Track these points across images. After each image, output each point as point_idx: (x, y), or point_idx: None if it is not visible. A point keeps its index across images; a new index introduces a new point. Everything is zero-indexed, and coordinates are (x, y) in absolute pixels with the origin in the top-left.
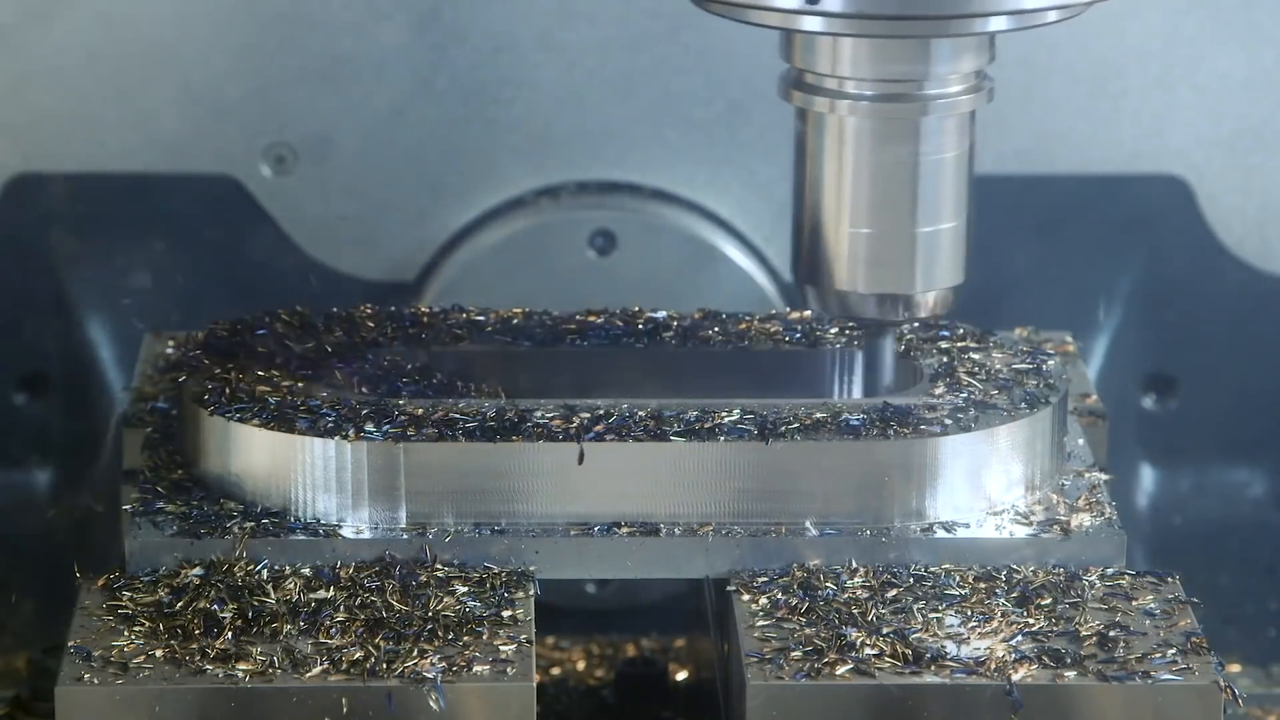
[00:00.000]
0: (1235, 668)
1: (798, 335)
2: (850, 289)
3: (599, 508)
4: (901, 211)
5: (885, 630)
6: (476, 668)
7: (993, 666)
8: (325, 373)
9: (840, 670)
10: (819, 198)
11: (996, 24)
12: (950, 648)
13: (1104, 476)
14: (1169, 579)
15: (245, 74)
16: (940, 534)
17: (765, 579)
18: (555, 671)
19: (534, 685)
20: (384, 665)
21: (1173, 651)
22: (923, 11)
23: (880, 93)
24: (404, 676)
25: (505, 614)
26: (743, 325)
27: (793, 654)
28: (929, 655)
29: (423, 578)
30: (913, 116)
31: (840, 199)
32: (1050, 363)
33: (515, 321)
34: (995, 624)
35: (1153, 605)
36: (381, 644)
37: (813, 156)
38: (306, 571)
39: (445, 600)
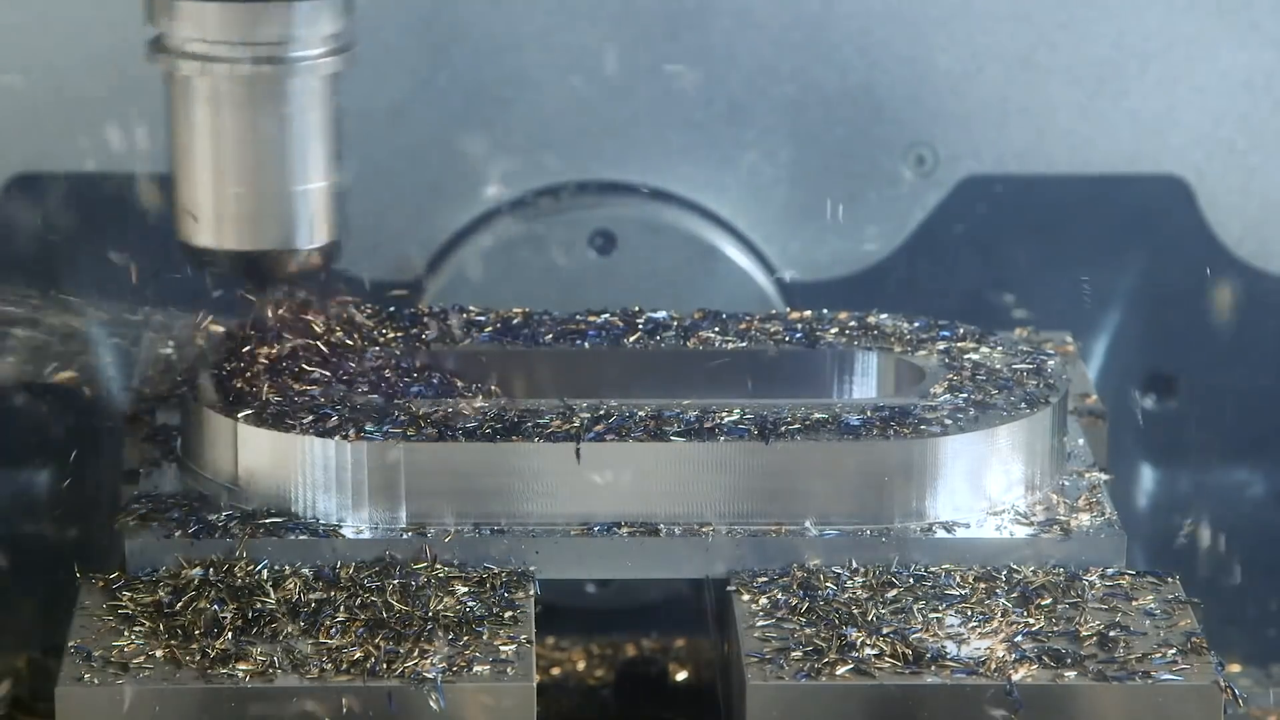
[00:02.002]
0: (1235, 668)
1: (798, 335)
2: (217, 245)
3: (599, 508)
4: (275, 169)
5: (885, 630)
6: (477, 668)
7: (993, 666)
8: (326, 373)
9: (840, 670)
10: (194, 160)
11: None
12: (950, 648)
13: (1104, 476)
14: (1169, 579)
15: None
16: (940, 534)
17: (765, 579)
18: (555, 671)
19: (534, 685)
20: (384, 665)
21: (1173, 651)
22: None
23: (245, 56)
24: (404, 676)
25: (506, 614)
26: (743, 325)
27: (793, 654)
28: (929, 655)
29: (423, 578)
30: (277, 79)
31: (215, 160)
32: (1050, 363)
33: (515, 321)
34: (995, 624)
35: (1153, 605)
36: (381, 644)
37: (183, 120)
38: (306, 571)
39: (445, 600)
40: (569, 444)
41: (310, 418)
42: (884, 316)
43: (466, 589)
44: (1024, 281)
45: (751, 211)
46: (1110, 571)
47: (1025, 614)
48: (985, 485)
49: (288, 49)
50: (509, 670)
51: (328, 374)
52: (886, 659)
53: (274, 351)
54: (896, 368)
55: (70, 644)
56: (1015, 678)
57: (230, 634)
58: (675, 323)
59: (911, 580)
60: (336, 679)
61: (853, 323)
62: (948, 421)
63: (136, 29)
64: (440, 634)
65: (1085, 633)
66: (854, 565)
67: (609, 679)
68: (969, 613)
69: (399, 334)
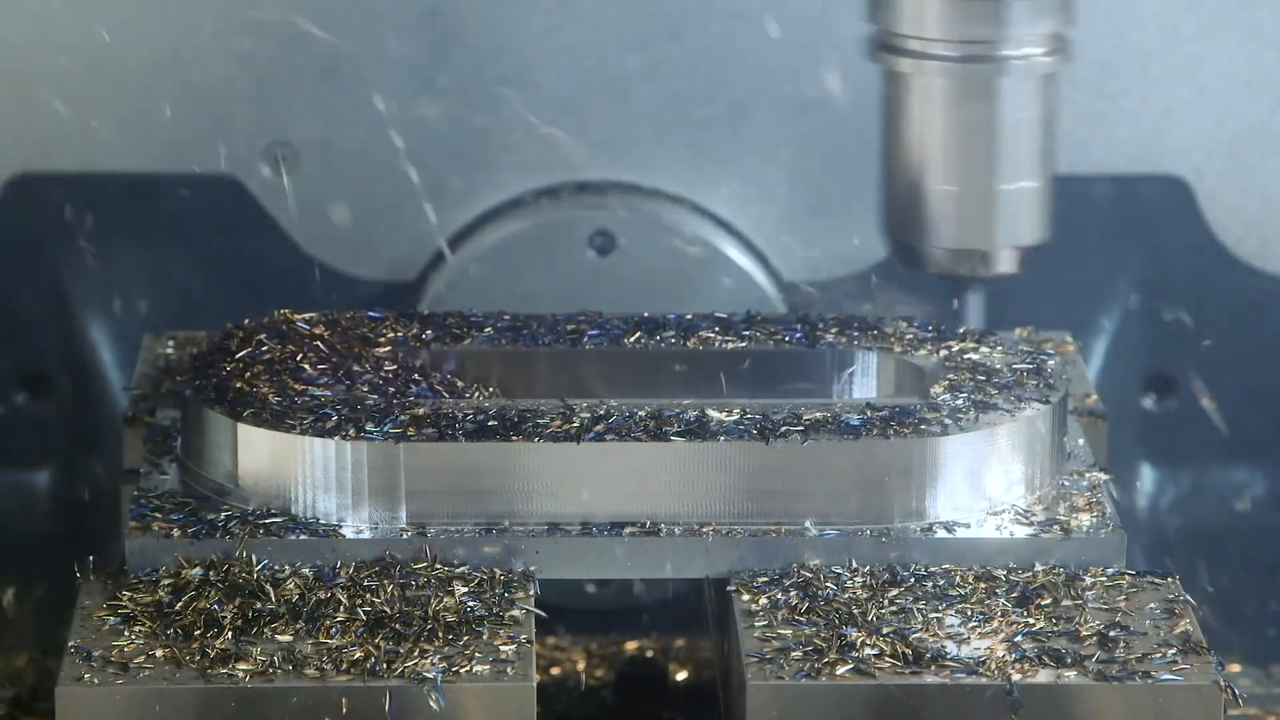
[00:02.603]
0: (1235, 668)
1: (798, 335)
2: (935, 244)
3: (599, 508)
4: (982, 169)
5: (885, 630)
6: (477, 668)
7: (993, 666)
8: (328, 373)
9: (840, 670)
10: (906, 157)
11: None
12: (950, 647)
13: (1104, 476)
14: (1169, 579)
15: (246, 74)
16: (940, 534)
17: (765, 579)
18: (555, 671)
19: (534, 685)
20: (384, 665)
21: (1173, 651)
22: None
23: (960, 54)
24: (404, 676)
25: (506, 614)
26: (743, 325)
27: (793, 654)
28: (929, 655)
29: (422, 578)
30: (989, 77)
31: (926, 157)
32: (1050, 363)
33: (515, 322)
34: (995, 624)
35: (1153, 605)
36: (381, 644)
37: (898, 117)
38: (306, 571)
39: (445, 600)
40: (569, 444)
41: (310, 418)
42: (884, 317)
43: (466, 589)
44: (1023, 281)
45: (752, 212)
46: (1110, 571)
47: (1025, 614)
48: (985, 485)
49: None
50: (509, 670)
51: (328, 375)
52: (886, 659)
53: (273, 353)
54: (896, 368)
55: (70, 644)
56: (1015, 678)
57: (230, 634)
58: (675, 323)
59: (912, 580)
60: (336, 679)
61: (853, 323)
62: (947, 421)
63: (137, 30)
64: (440, 634)
65: (1085, 633)
66: (854, 565)
67: (609, 679)
68: (969, 612)
69: (399, 335)
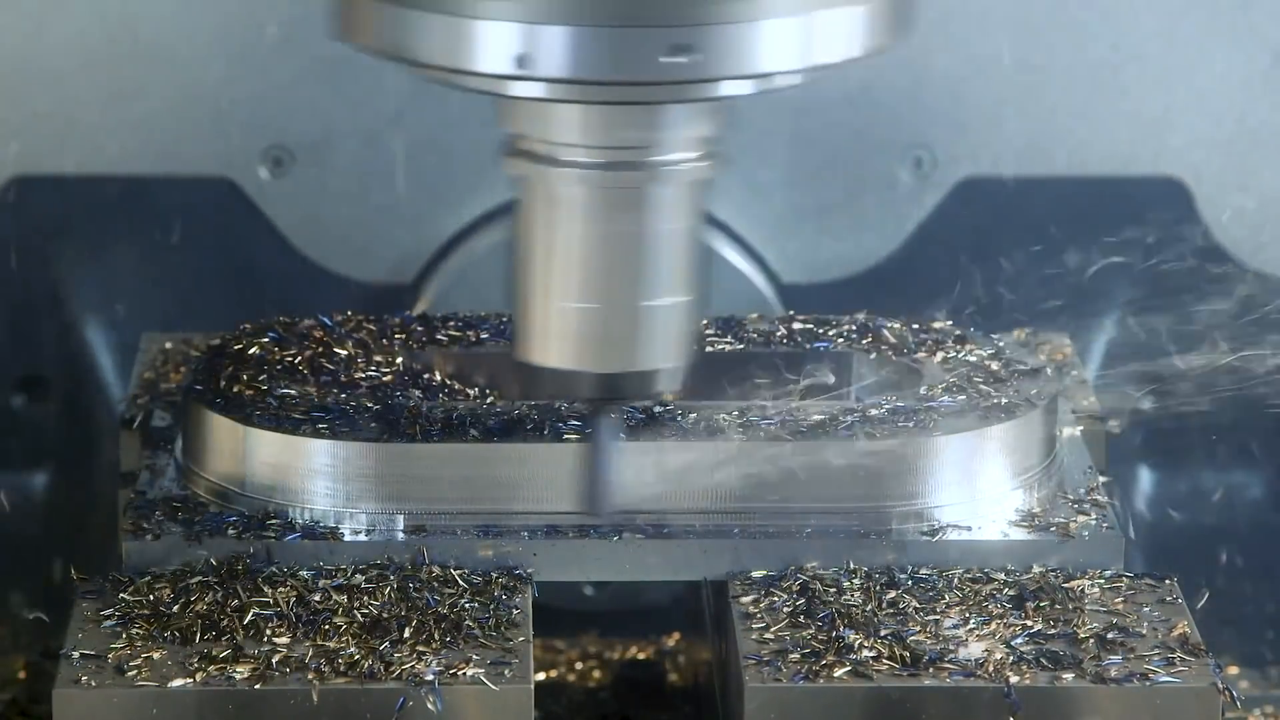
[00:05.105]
0: (1233, 670)
1: (797, 336)
2: (574, 367)
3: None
4: (626, 285)
5: (883, 632)
6: (474, 670)
7: (991, 669)
8: (326, 376)
9: (838, 672)
10: (539, 270)
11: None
12: (948, 650)
13: (1103, 478)
14: (1167, 581)
15: (243, 76)
16: (939, 535)
17: (764, 580)
18: (553, 673)
19: (531, 687)
20: (382, 667)
21: (1171, 654)
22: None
23: (603, 160)
24: (402, 679)
25: (503, 616)
26: (742, 325)
27: (791, 656)
28: (927, 657)
29: (421, 579)
30: (637, 185)
31: (564, 271)
32: (1048, 364)
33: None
34: (993, 626)
35: (1151, 607)
36: (379, 646)
37: (532, 226)
38: (305, 573)
39: (443, 602)
40: (568, 445)
41: (308, 420)
42: (882, 318)
43: (464, 591)
44: (1022, 282)
45: (750, 214)
46: (1108, 573)
47: (1023, 616)
48: (984, 487)
49: (649, 153)
50: (506, 672)
51: (327, 377)
52: (884, 661)
53: (272, 355)
54: (895, 369)
55: (68, 646)
56: (1013, 680)
57: (229, 635)
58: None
59: (910, 582)
60: (334, 681)
61: (851, 325)
62: (946, 422)
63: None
64: (438, 636)
65: (1083, 635)
66: (852, 567)
67: (607, 681)
68: (967, 615)
69: (397, 337)
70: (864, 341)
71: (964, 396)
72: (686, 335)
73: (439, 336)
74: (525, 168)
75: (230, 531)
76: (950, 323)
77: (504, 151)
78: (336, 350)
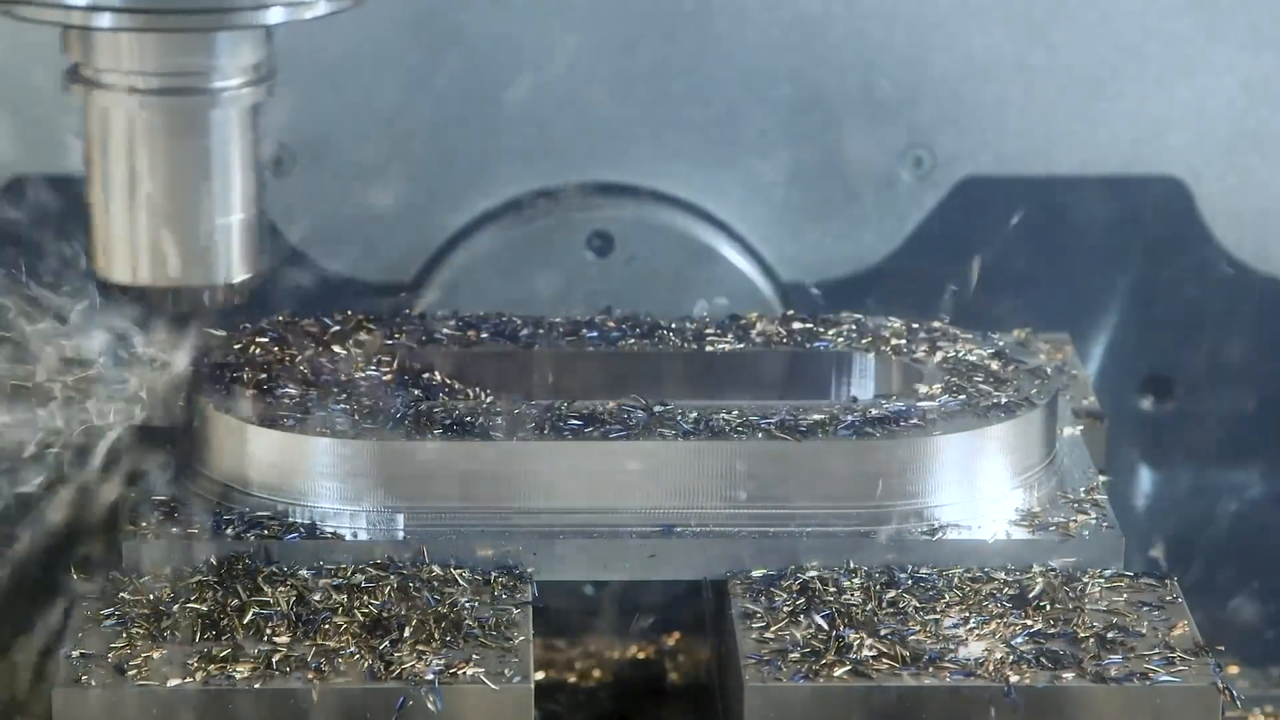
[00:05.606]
0: (1233, 669)
1: (797, 336)
2: (153, 283)
3: (598, 509)
4: (196, 202)
5: (883, 631)
6: (474, 669)
7: (991, 668)
8: (326, 375)
9: (838, 672)
10: (115, 193)
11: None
12: (948, 649)
13: (1103, 477)
14: (1167, 580)
15: None
16: (939, 535)
17: (764, 580)
18: (553, 673)
19: (531, 687)
20: (382, 667)
21: (1171, 653)
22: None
23: (165, 86)
24: (402, 679)
25: (504, 615)
26: (742, 325)
27: (791, 655)
28: (927, 657)
29: (421, 579)
30: (200, 109)
31: (136, 192)
32: (1048, 363)
33: (513, 323)
34: (993, 625)
35: (1151, 607)
36: (380, 646)
37: (99, 151)
38: (306, 572)
39: (443, 602)
40: (568, 444)
41: (308, 419)
42: (882, 317)
43: (465, 590)
44: (1022, 282)
45: (749, 213)
46: (1108, 573)
47: (1023, 615)
48: (983, 486)
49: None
50: (506, 672)
51: (326, 376)
52: (884, 660)
53: (273, 354)
54: (895, 369)
55: (68, 645)
56: (1013, 679)
57: (228, 635)
58: (675, 324)
59: (910, 581)
60: (334, 680)
61: (851, 324)
62: (946, 422)
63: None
64: (438, 636)
65: (1083, 634)
66: (852, 566)
67: (607, 680)
68: (967, 614)
69: (398, 337)
70: (864, 341)
71: (964, 396)
72: (255, 250)
73: (439, 336)
74: (86, 93)
75: (230, 531)
76: (950, 321)
77: (68, 80)
78: (336, 350)
